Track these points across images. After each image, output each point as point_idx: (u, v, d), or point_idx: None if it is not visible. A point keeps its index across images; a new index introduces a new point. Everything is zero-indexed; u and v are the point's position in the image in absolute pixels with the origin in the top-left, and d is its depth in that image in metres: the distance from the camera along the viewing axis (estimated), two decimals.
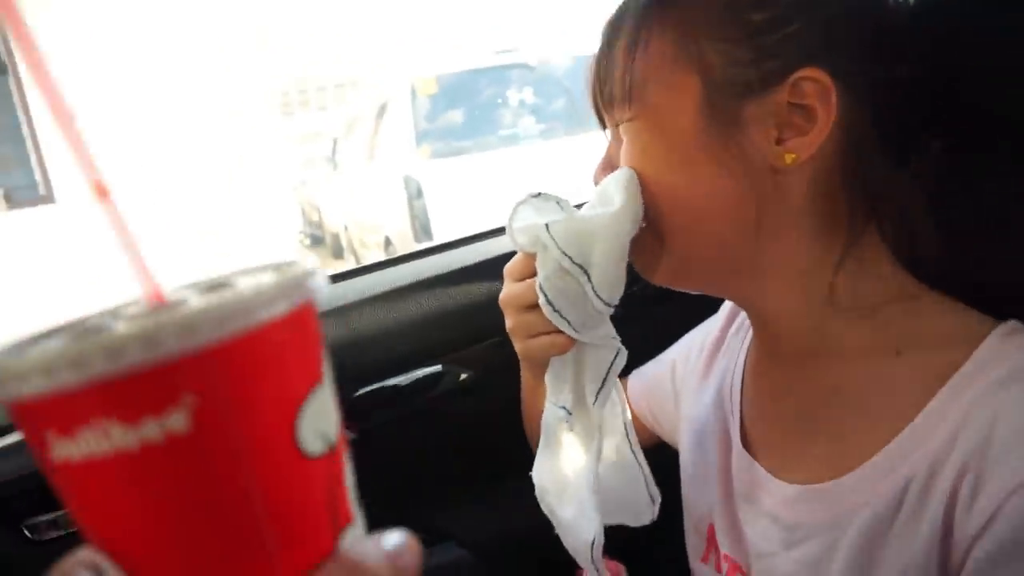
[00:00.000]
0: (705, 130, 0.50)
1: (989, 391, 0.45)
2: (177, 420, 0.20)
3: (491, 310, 0.94)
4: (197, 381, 0.20)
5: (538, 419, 0.79)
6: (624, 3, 0.55)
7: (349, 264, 5.96)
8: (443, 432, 0.96)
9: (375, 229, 5.32)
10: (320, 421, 0.23)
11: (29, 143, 5.54)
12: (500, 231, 1.09)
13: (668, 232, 0.53)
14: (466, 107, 4.80)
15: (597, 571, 0.60)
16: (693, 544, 0.66)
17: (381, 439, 0.92)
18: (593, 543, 0.59)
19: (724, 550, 0.61)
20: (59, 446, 0.20)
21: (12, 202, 5.67)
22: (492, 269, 1.00)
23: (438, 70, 4.75)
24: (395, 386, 0.93)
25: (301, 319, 0.23)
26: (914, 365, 0.49)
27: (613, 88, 0.53)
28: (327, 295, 0.24)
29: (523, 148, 4.74)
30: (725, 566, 0.61)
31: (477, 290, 0.99)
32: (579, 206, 0.59)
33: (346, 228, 6.47)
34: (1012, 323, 0.48)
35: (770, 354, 0.61)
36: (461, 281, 0.97)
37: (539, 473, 0.64)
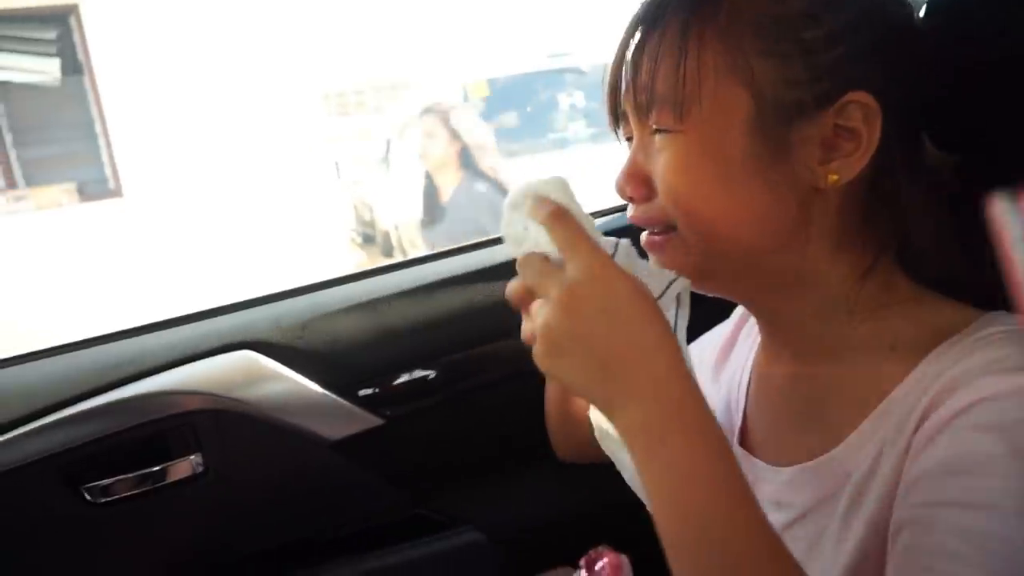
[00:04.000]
0: (753, 150, 0.50)
1: (962, 353, 0.47)
2: None
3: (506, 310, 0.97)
4: None
5: (564, 424, 0.81)
6: (655, 2, 0.53)
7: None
8: (468, 422, 1.00)
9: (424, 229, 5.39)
10: None
11: (101, 140, 5.83)
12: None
13: (701, 238, 0.53)
14: (517, 110, 4.84)
15: None
16: None
17: (410, 425, 0.96)
18: None
19: None
20: None
21: (84, 195, 5.99)
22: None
23: (490, 73, 4.80)
24: (425, 377, 0.98)
25: None
26: (905, 357, 0.51)
27: (653, 96, 0.52)
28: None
29: (574, 151, 4.75)
30: None
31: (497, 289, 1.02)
32: (595, 214, 0.60)
33: (396, 227, 6.57)
34: (999, 312, 0.50)
35: (777, 358, 0.63)
36: (478, 281, 1.01)
37: (597, 416, 0.58)
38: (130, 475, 0.88)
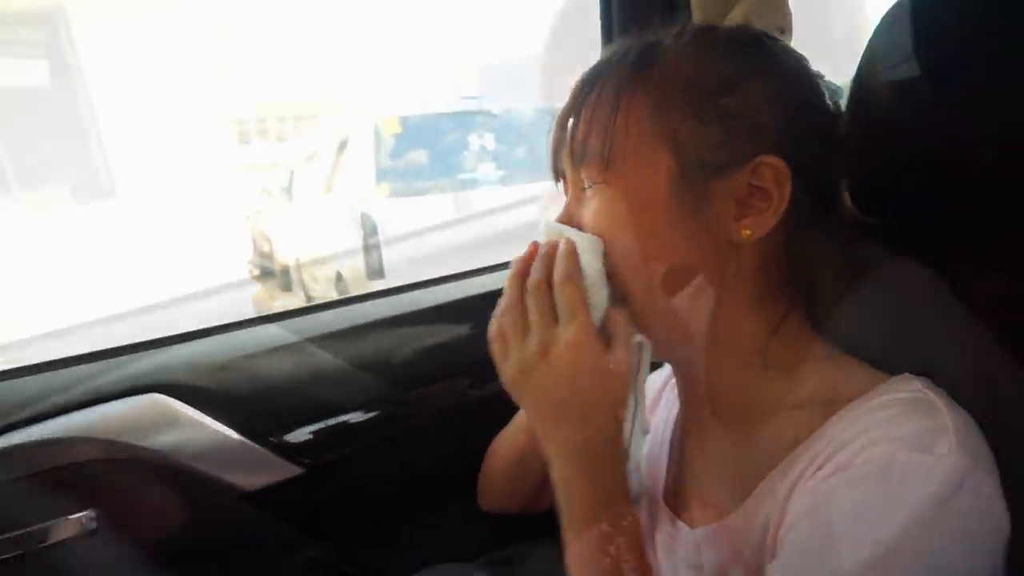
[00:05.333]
0: (673, 204, 0.54)
1: (857, 415, 0.50)
2: None
3: (439, 353, 0.93)
4: None
5: (516, 461, 0.80)
6: (599, 66, 0.58)
7: (298, 299, 5.85)
8: (394, 470, 0.96)
9: (327, 264, 5.26)
10: None
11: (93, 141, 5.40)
12: (455, 277, 1.12)
13: (624, 285, 0.56)
14: (428, 149, 4.85)
15: None
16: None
17: (333, 474, 0.91)
18: None
19: None
20: None
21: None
22: (450, 312, 1.02)
23: (402, 111, 4.80)
24: (347, 423, 0.93)
25: None
26: (813, 416, 0.53)
27: (586, 150, 0.56)
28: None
29: (482, 192, 4.79)
30: None
31: (429, 333, 1.00)
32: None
33: (297, 261, 6.37)
34: (905, 375, 0.52)
35: (696, 414, 0.65)
36: (416, 323, 0.98)
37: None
38: (5, 535, 0.78)
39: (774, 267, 0.56)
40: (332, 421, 0.92)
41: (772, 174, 0.53)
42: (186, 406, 0.85)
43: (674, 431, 0.69)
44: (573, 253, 0.56)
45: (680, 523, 0.62)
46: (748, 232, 0.53)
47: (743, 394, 0.58)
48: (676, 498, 0.65)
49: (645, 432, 0.64)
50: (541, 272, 0.57)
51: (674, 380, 0.73)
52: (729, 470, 0.59)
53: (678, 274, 0.55)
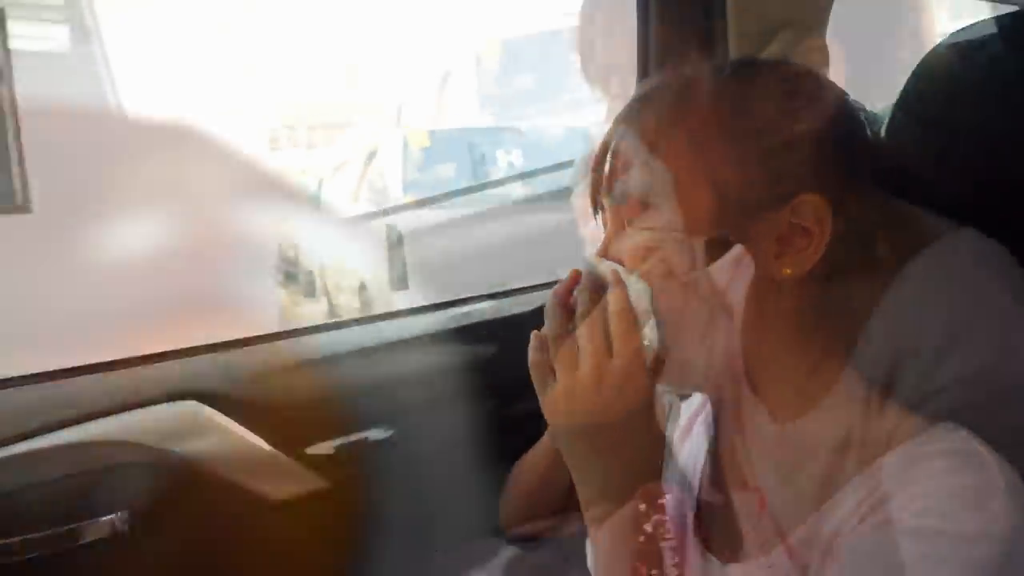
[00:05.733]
0: (715, 243, 0.53)
1: (905, 464, 0.49)
2: None
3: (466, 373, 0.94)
4: None
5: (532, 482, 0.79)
6: (635, 103, 0.58)
7: (322, 305, 5.91)
8: (421, 485, 0.96)
9: (351, 273, 5.31)
10: None
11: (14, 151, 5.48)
12: (479, 298, 1.13)
13: (669, 336, 0.55)
14: (456, 163, 4.90)
15: None
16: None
17: (360, 487, 0.92)
18: None
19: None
20: None
21: None
22: (477, 332, 1.03)
23: (432, 124, 4.86)
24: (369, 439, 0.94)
25: None
26: (855, 457, 0.52)
27: (625, 190, 0.56)
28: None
29: (508, 208, 4.82)
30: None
31: (457, 352, 1.01)
32: None
33: (322, 269, 6.44)
34: (948, 423, 0.51)
35: (731, 445, 0.64)
36: (445, 342, 0.98)
37: None
38: (36, 535, 0.79)
39: (815, 304, 0.55)
40: (358, 436, 0.93)
41: (813, 211, 0.52)
42: (220, 414, 0.86)
43: (704, 464, 0.68)
44: (624, 287, 0.56)
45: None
46: (788, 271, 0.53)
47: (785, 431, 0.57)
48: (706, 531, 0.64)
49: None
50: (589, 303, 0.57)
51: (704, 413, 0.72)
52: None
53: (719, 315, 0.55)
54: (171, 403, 0.86)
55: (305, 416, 0.91)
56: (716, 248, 0.54)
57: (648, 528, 0.53)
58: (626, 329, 0.55)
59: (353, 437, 0.94)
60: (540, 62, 5.84)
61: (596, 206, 0.61)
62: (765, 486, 0.59)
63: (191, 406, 0.86)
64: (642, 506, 0.56)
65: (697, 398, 0.76)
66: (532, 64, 5.94)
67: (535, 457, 0.82)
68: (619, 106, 0.61)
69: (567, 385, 0.56)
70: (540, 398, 0.58)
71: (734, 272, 0.55)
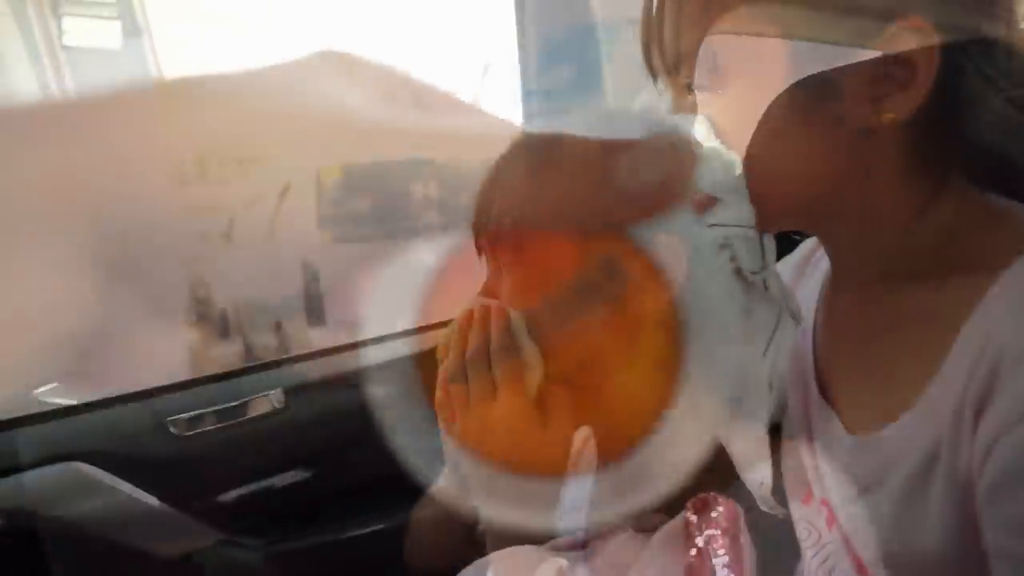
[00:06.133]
0: (795, 102, 0.45)
1: (1005, 316, 0.42)
2: None
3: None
4: None
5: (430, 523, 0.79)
6: None
7: (236, 345, 5.72)
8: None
9: (266, 311, 5.19)
10: None
11: None
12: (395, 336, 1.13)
13: (752, 192, 0.50)
14: (371, 196, 4.88)
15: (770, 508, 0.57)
16: (791, 485, 0.62)
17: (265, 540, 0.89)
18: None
19: (819, 495, 0.58)
20: None
21: None
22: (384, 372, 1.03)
23: (345, 158, 4.83)
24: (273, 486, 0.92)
25: None
26: (952, 291, 0.46)
27: (679, 53, 0.48)
28: None
29: (425, 240, 4.83)
30: (824, 511, 0.57)
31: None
32: None
33: (236, 307, 6.26)
34: None
35: (841, 286, 0.58)
36: (352, 383, 0.98)
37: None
38: None
39: (924, 144, 0.47)
40: (257, 486, 0.92)
41: (914, 39, 0.42)
42: (105, 473, 0.83)
43: (816, 313, 0.61)
44: (507, 321, 0.51)
45: (839, 424, 0.54)
46: (891, 116, 0.44)
47: (884, 264, 0.51)
48: (827, 387, 0.57)
49: (797, 323, 0.56)
50: (478, 339, 0.52)
51: (814, 260, 0.66)
52: (877, 364, 0.52)
53: (805, 171, 0.47)
54: (52, 465, 0.83)
55: (197, 469, 0.89)
56: (797, 103, 0.45)
57: (700, 542, 0.47)
58: (504, 369, 0.51)
59: (253, 487, 0.92)
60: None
61: (654, 74, 0.53)
62: (878, 333, 0.53)
63: (73, 467, 0.83)
64: (693, 517, 0.50)
65: (802, 249, 0.69)
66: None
67: (430, 499, 0.83)
68: None
69: (463, 427, 0.53)
70: (445, 437, 0.56)
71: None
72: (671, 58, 0.49)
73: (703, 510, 0.51)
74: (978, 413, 0.41)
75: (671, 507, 0.56)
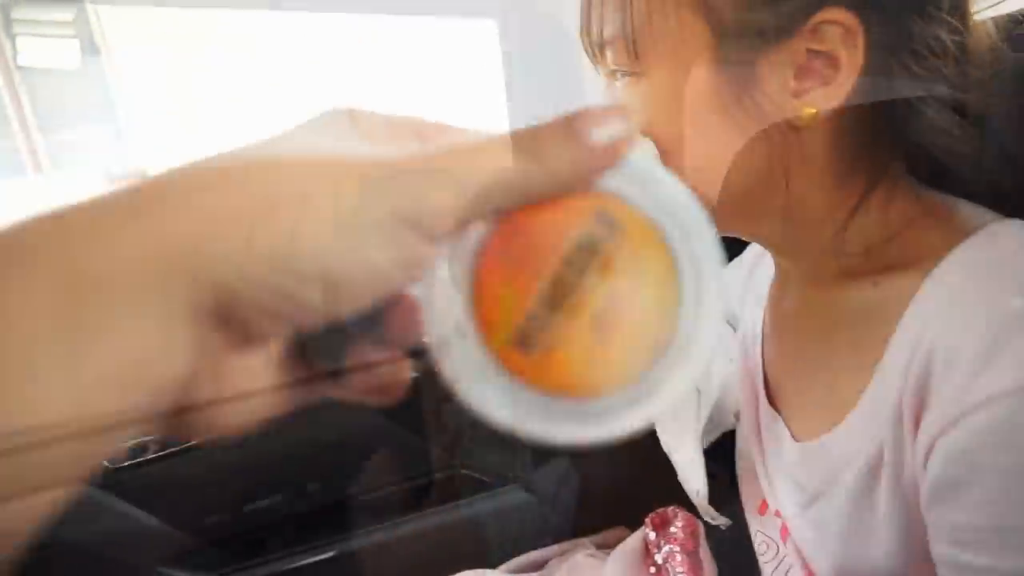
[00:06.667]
0: (717, 88, 0.43)
1: (936, 313, 0.42)
2: None
3: None
4: None
5: None
6: None
7: None
8: None
9: None
10: None
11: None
12: None
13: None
14: None
15: (710, 517, 0.56)
16: (747, 495, 0.61)
17: None
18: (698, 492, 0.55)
19: (773, 505, 0.57)
20: None
21: None
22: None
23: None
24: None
25: None
26: (887, 289, 0.46)
27: (602, 37, 0.46)
28: None
29: None
30: (778, 522, 0.56)
31: None
32: None
33: None
34: (992, 226, 0.43)
35: (784, 288, 0.57)
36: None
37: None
38: None
39: (853, 139, 0.45)
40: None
41: (838, 33, 0.41)
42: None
43: (765, 316, 0.60)
44: None
45: (786, 431, 0.53)
46: (812, 110, 0.42)
47: (822, 266, 0.50)
48: (777, 398, 0.56)
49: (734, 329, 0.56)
50: None
51: (761, 268, 0.64)
52: (818, 368, 0.51)
53: (736, 172, 0.45)
54: None
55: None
56: (719, 91, 0.43)
57: (659, 559, 0.45)
58: None
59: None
60: None
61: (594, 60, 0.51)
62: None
63: None
64: (651, 534, 0.49)
65: (746, 255, 0.67)
66: None
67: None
68: None
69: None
70: None
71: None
72: (596, 42, 0.47)
73: (661, 526, 0.53)
74: (916, 415, 0.41)
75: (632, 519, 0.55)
